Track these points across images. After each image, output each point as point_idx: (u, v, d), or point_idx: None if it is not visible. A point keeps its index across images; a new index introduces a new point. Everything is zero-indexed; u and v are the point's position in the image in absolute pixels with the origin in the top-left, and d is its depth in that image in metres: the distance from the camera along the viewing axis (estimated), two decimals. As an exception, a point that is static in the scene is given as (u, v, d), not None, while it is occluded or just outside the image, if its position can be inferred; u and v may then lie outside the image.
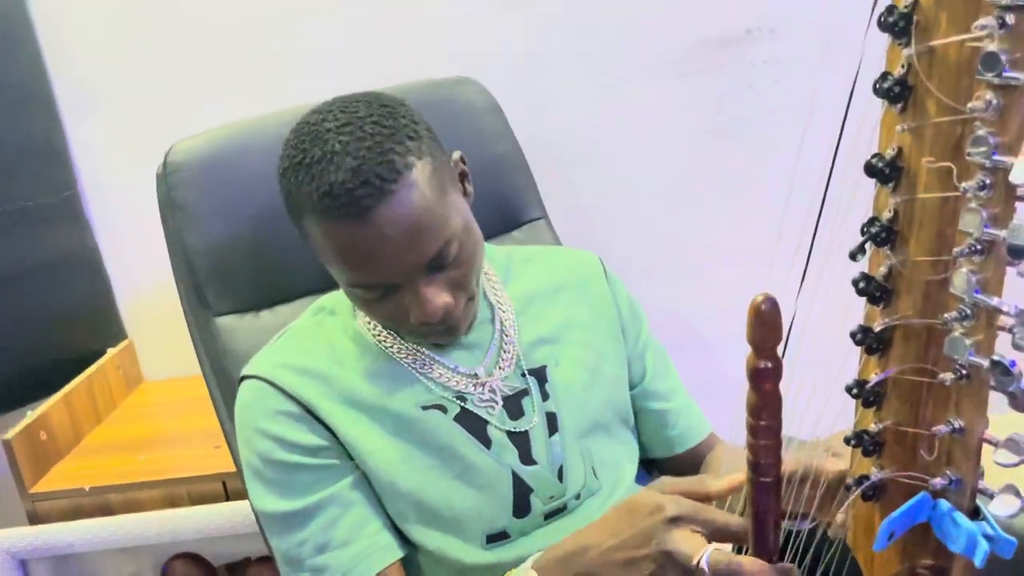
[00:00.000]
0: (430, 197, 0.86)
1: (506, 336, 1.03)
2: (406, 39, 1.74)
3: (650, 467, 1.17)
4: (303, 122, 0.90)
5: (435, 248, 0.87)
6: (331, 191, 0.83)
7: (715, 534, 0.71)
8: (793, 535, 0.71)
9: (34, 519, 1.57)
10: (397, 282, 0.89)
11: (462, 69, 1.44)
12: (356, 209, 0.83)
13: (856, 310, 0.57)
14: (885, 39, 0.51)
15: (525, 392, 1.02)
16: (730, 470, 0.75)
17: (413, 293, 0.89)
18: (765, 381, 0.58)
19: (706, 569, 0.67)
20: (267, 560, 1.55)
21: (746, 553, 0.67)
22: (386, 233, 0.84)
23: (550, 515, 0.99)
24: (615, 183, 1.82)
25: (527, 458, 0.99)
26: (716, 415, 1.18)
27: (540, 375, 1.03)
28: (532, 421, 1.00)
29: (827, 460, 0.72)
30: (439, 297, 0.90)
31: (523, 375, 1.02)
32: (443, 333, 0.96)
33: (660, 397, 1.14)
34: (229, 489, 1.55)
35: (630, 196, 1.82)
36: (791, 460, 0.68)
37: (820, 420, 0.65)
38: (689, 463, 1.14)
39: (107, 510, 1.56)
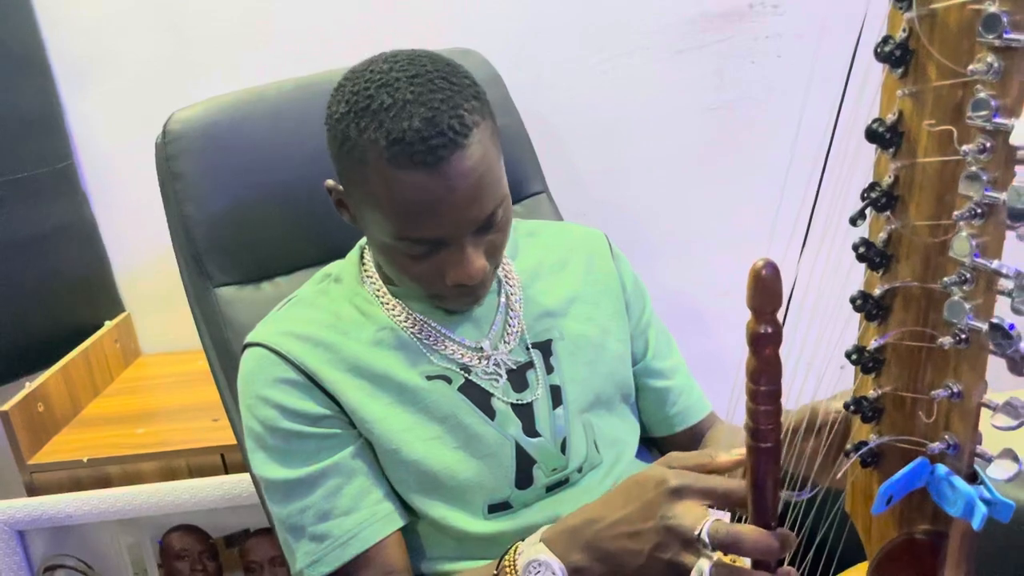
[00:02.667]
0: (492, 156, 0.87)
1: (511, 310, 1.04)
2: (406, 10, 1.72)
3: (650, 446, 1.17)
4: (363, 70, 0.87)
5: (492, 206, 0.88)
6: (404, 138, 0.82)
7: (718, 502, 0.72)
8: (792, 503, 0.72)
9: (32, 490, 1.58)
10: (451, 237, 0.88)
11: (462, 41, 1.44)
12: (430, 158, 0.82)
13: (856, 276, 0.57)
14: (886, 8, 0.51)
15: (529, 365, 1.02)
16: (728, 447, 0.75)
17: (459, 252, 0.89)
18: (765, 346, 0.58)
19: (706, 539, 0.68)
20: (266, 532, 1.56)
21: (745, 521, 0.68)
22: (455, 185, 0.84)
23: (552, 487, 1.00)
24: (615, 158, 1.81)
25: (531, 430, 0.99)
26: (716, 395, 1.18)
27: (545, 349, 1.03)
28: (536, 393, 1.01)
29: (830, 402, 0.73)
30: (480, 259, 0.90)
31: (527, 348, 1.03)
32: (467, 300, 0.96)
33: (661, 375, 1.14)
34: (228, 462, 1.56)
35: (630, 171, 1.82)
36: (794, 413, 0.69)
37: (819, 386, 0.65)
38: (688, 442, 1.15)
39: (105, 482, 1.57)
